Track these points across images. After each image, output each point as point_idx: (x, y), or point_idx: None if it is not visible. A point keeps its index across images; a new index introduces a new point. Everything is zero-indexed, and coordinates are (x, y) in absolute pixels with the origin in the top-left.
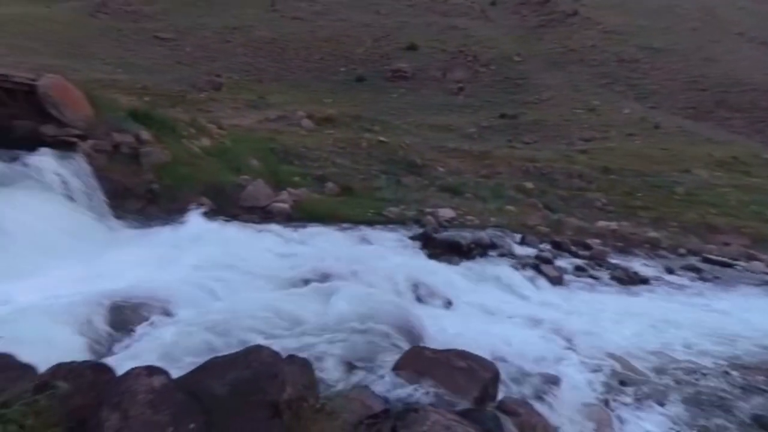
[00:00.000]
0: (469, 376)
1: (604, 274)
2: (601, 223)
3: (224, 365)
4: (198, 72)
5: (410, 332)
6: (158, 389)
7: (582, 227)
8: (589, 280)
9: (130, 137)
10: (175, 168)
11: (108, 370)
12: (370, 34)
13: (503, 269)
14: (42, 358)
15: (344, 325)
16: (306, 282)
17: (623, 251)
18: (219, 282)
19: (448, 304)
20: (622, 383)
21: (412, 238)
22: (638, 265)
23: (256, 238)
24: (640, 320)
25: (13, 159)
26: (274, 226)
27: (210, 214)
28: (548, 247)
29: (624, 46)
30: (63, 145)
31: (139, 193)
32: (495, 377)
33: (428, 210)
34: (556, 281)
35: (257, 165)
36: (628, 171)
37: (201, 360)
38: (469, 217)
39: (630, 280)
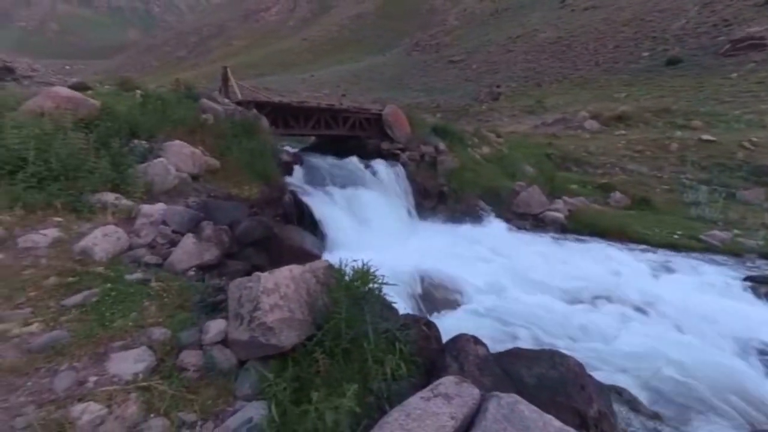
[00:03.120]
0: None
1: None
2: None
3: (530, 358)
4: (480, 85)
5: (749, 406)
6: (482, 357)
7: None
8: None
9: (431, 148)
10: (462, 173)
11: (437, 328)
12: None
13: None
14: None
15: (646, 365)
16: (594, 300)
17: None
18: (504, 279)
19: None
20: None
21: (754, 279)
22: None
23: (535, 244)
24: None
25: (367, 166)
26: (548, 235)
27: (486, 217)
28: None
29: None
30: (392, 156)
31: (433, 194)
32: None
33: None
34: None
35: (532, 171)
36: None
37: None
38: None
39: None
